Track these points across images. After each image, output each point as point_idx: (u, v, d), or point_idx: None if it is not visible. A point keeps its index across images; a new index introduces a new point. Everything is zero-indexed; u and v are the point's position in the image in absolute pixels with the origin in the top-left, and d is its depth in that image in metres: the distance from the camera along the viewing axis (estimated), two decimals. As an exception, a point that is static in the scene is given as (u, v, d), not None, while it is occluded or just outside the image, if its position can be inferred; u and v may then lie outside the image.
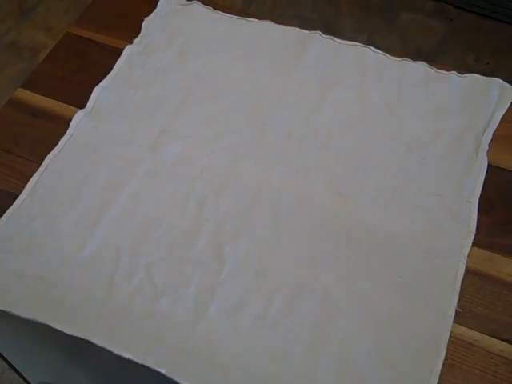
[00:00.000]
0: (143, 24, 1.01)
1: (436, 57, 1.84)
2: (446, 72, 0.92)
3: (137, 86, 0.94)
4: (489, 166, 0.83)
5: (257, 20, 0.99)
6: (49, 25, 2.04)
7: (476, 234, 0.78)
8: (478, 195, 0.80)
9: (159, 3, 1.04)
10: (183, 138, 0.87)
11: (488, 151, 0.84)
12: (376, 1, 2.00)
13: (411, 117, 0.88)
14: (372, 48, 0.95)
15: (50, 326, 0.71)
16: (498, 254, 0.77)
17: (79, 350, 0.97)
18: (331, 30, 1.92)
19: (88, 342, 0.70)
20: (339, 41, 0.97)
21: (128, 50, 0.98)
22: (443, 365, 0.70)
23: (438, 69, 0.92)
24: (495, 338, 0.72)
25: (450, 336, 0.71)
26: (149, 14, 1.03)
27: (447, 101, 0.89)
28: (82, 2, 2.02)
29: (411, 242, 0.77)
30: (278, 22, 1.00)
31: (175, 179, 0.84)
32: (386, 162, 0.83)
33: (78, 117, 0.91)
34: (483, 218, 0.79)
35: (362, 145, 0.85)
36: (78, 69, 0.98)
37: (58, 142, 0.89)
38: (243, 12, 1.02)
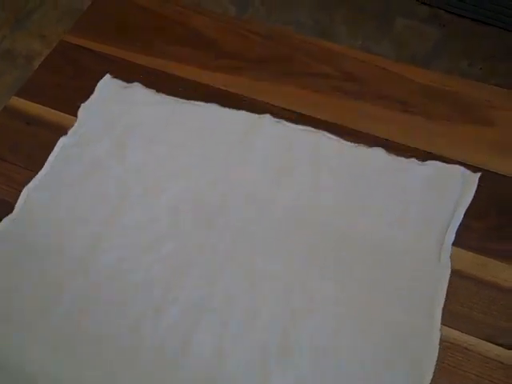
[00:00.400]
0: (79, 111, 0.93)
1: (430, 62, 1.85)
2: (405, 159, 0.85)
3: (70, 183, 0.86)
4: (481, 170, 0.84)
5: (203, 103, 0.92)
6: (43, 33, 2.04)
7: (470, 239, 0.78)
8: (441, 306, 0.74)
9: (97, 87, 0.96)
10: (118, 248, 0.79)
11: (451, 254, 0.77)
12: (370, 7, 2.01)
13: (368, 214, 0.81)
14: (326, 133, 0.87)
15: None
16: (492, 258, 0.77)
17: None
18: (326, 35, 1.92)
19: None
20: (290, 125, 0.89)
21: (61, 142, 0.90)
22: (439, 370, 0.70)
23: (398, 153, 0.85)
24: (491, 342, 0.72)
25: (446, 341, 0.72)
26: (142, 21, 1.04)
27: (406, 193, 0.82)
28: (77, 10, 2.02)
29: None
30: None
31: (107, 301, 0.75)
32: (340, 271, 0.77)
33: (3, 224, 0.82)
34: (477, 223, 0.80)
35: (317, 254, 0.78)
36: (73, 76, 0.98)
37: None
38: (238, 19, 1.02)
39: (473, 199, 0.81)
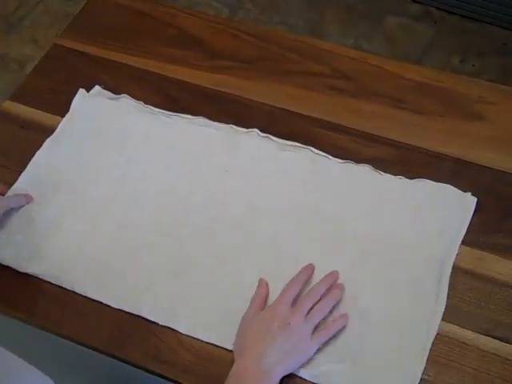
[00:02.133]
0: (62, 121, 0.92)
1: (422, 59, 1.86)
2: (393, 176, 0.83)
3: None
4: (476, 165, 0.84)
5: (191, 116, 0.91)
6: (35, 37, 2.04)
7: (465, 234, 0.78)
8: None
9: (86, 99, 0.95)
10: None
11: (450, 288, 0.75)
12: (362, 5, 2.01)
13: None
14: (312, 149, 0.86)
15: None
16: (488, 252, 0.77)
17: (74, 362, 0.97)
18: (318, 35, 1.92)
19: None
20: (277, 140, 0.87)
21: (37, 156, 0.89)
22: (437, 364, 0.70)
23: (385, 169, 0.84)
24: (488, 336, 0.72)
25: (444, 335, 0.72)
26: (135, 23, 1.04)
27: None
28: (69, 14, 2.02)
29: None
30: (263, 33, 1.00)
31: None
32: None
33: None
34: (472, 217, 0.80)
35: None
36: (66, 80, 0.98)
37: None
38: (229, 20, 1.02)
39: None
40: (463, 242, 0.78)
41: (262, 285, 0.75)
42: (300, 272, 0.76)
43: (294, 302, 0.73)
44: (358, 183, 0.83)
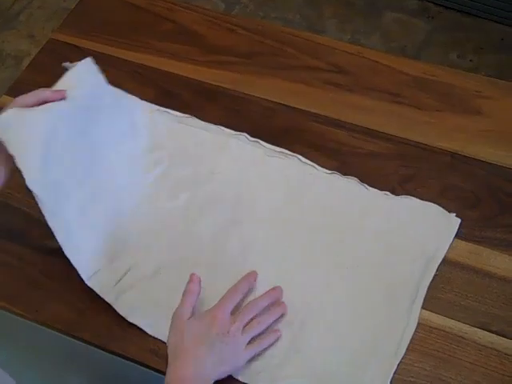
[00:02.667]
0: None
1: (420, 55, 1.85)
2: (379, 191, 0.82)
3: None
4: (473, 159, 0.84)
5: (181, 114, 0.90)
6: (31, 33, 2.03)
7: (463, 228, 0.78)
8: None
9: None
10: None
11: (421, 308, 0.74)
12: (359, 1, 2.01)
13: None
14: (300, 157, 0.85)
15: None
16: (485, 247, 0.77)
17: (72, 357, 0.97)
18: (315, 30, 1.92)
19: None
20: (266, 145, 0.86)
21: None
22: (435, 358, 0.70)
23: (371, 183, 0.83)
24: (485, 330, 0.72)
25: (441, 330, 0.72)
26: (131, 17, 1.03)
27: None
28: (65, 9, 2.02)
29: None
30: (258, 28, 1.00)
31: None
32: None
33: None
34: (469, 212, 0.80)
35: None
36: (62, 74, 0.97)
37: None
38: (226, 14, 1.02)
39: (465, 189, 0.82)
40: (460, 237, 0.78)
41: (194, 280, 0.73)
42: (242, 280, 0.75)
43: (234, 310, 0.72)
44: (343, 196, 0.82)
